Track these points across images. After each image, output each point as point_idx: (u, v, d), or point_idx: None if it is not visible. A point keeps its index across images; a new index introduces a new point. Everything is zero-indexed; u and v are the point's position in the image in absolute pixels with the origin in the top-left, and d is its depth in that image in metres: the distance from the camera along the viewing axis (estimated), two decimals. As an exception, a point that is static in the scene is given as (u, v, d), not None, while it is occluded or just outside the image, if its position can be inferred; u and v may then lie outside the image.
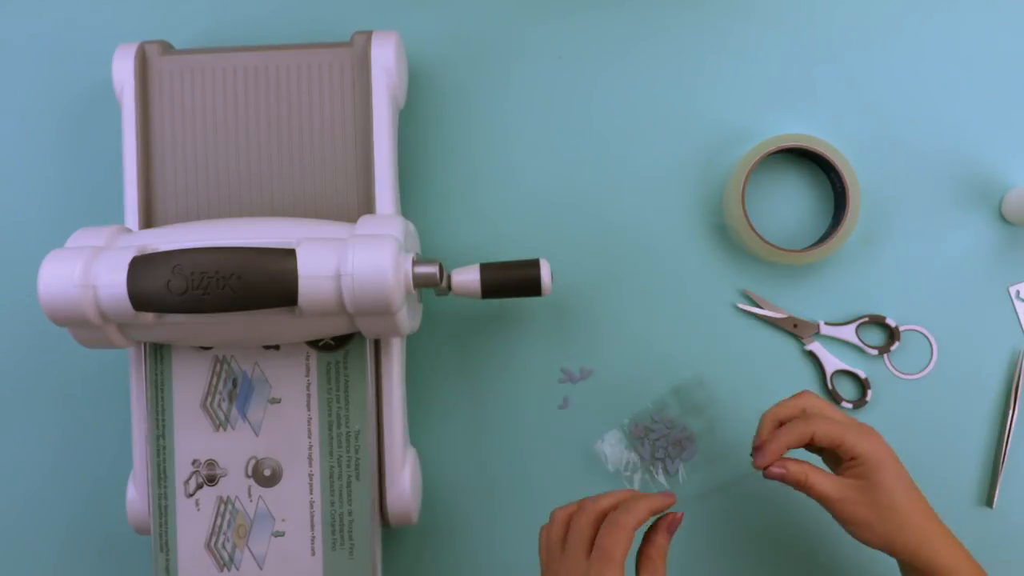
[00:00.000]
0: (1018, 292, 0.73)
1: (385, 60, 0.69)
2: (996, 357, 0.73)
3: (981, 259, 0.73)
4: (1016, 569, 0.72)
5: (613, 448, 0.73)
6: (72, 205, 0.76)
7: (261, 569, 0.67)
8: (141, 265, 0.60)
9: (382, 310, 0.61)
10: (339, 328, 0.64)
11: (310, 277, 0.60)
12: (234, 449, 0.67)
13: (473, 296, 0.66)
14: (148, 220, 0.70)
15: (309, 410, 0.67)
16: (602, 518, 0.59)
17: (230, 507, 0.67)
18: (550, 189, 0.75)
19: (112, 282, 0.60)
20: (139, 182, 0.69)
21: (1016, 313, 0.73)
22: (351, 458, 0.67)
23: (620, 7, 0.75)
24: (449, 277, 0.66)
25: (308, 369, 0.67)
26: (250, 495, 0.67)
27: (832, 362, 0.73)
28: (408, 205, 0.74)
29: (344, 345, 0.67)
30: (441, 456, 0.74)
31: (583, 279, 0.74)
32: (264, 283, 0.59)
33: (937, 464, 0.72)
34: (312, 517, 0.67)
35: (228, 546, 0.67)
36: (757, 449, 0.62)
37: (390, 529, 0.73)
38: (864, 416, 0.73)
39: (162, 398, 0.68)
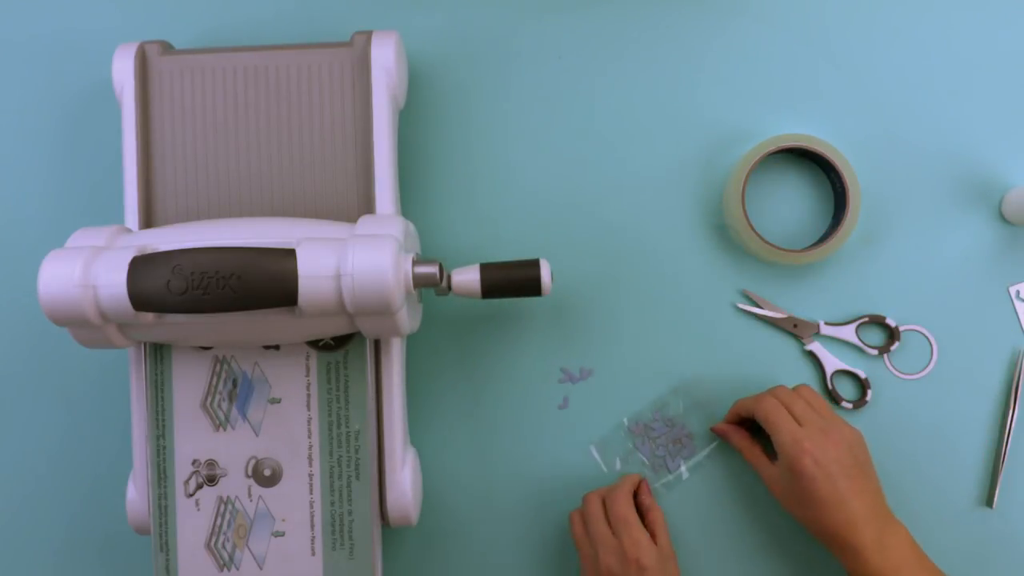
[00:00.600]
0: (1018, 292, 0.73)
1: (385, 60, 0.69)
2: (996, 357, 0.73)
3: (981, 259, 0.73)
4: (1016, 569, 0.72)
5: (607, 451, 0.73)
6: (72, 205, 0.76)
7: (261, 569, 0.67)
8: (141, 265, 0.60)
9: (382, 310, 0.61)
10: (339, 328, 0.64)
11: (310, 277, 0.60)
12: (234, 449, 0.67)
13: (473, 296, 0.66)
14: (148, 220, 0.70)
15: (309, 410, 0.67)
16: (599, 499, 0.70)
17: (230, 507, 0.67)
18: (550, 189, 0.75)
19: (112, 282, 0.60)
20: (139, 182, 0.69)
21: (1016, 313, 0.73)
22: (351, 458, 0.67)
23: (620, 7, 0.75)
24: (449, 277, 0.66)
25: (308, 369, 0.67)
26: (250, 495, 0.67)
27: (832, 362, 0.73)
28: (408, 205, 0.74)
29: (344, 345, 0.67)
30: (441, 456, 0.74)
31: (583, 279, 0.74)
32: (264, 283, 0.59)
33: (937, 464, 0.72)
34: (312, 517, 0.67)
35: (228, 546, 0.67)
36: None
37: (390, 529, 0.73)
38: (864, 416, 0.73)
39: (162, 398, 0.68)
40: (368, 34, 0.69)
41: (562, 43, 0.76)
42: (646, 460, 0.73)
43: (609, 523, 0.68)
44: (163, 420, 0.68)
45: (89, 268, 0.60)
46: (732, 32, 0.75)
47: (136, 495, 0.69)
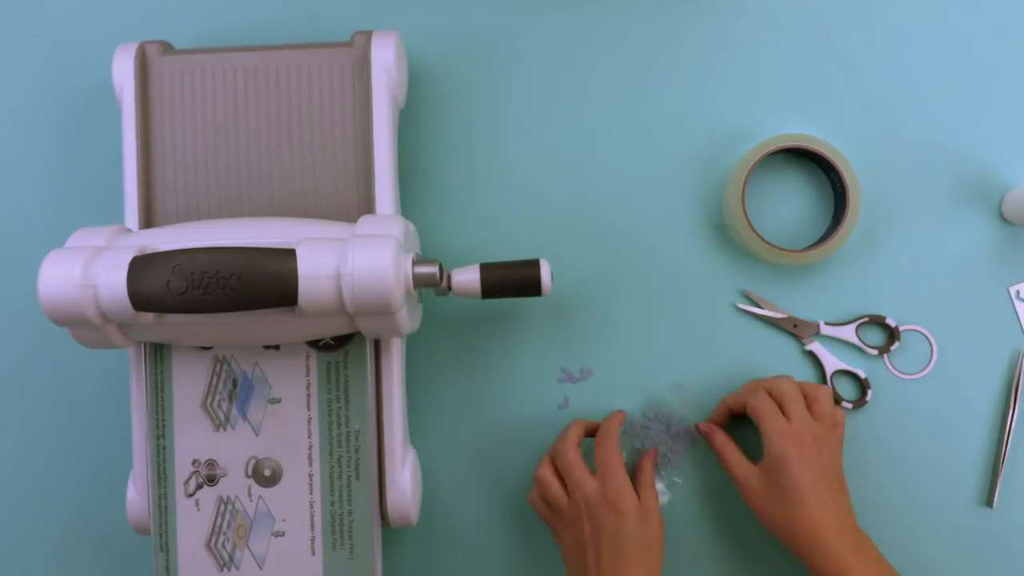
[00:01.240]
0: (1018, 292, 0.73)
1: (385, 60, 0.69)
2: (996, 357, 0.73)
3: (981, 259, 0.73)
4: (1016, 569, 0.72)
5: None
6: (72, 205, 0.76)
7: (261, 569, 0.67)
8: (141, 265, 0.60)
9: (382, 310, 0.61)
10: (339, 328, 0.64)
11: (310, 277, 0.60)
12: (234, 449, 0.67)
13: (473, 296, 0.66)
14: (148, 220, 0.70)
15: (309, 410, 0.67)
16: (577, 446, 0.70)
17: (230, 507, 0.67)
18: (550, 189, 0.75)
19: (112, 282, 0.60)
20: (139, 182, 0.69)
21: (1016, 313, 0.73)
22: (351, 458, 0.67)
23: (620, 7, 0.75)
24: (449, 277, 0.66)
25: (308, 369, 0.67)
26: (250, 495, 0.67)
27: (832, 362, 0.73)
28: (408, 205, 0.74)
29: (344, 345, 0.67)
30: (441, 456, 0.74)
31: (583, 279, 0.74)
32: (264, 283, 0.59)
33: (937, 464, 0.72)
34: (312, 517, 0.67)
35: (228, 546, 0.67)
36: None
37: (390, 529, 0.73)
38: (864, 416, 0.73)
39: (162, 398, 0.68)
40: (368, 34, 0.69)
41: (562, 43, 0.76)
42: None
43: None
44: (163, 420, 0.68)
45: (89, 268, 0.60)
46: (732, 32, 0.75)
47: (136, 495, 0.69)
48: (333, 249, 0.60)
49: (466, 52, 0.76)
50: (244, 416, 0.67)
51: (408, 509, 0.68)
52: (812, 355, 0.73)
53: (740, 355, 0.73)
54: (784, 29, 0.75)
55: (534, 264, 0.65)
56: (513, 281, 0.65)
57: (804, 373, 0.74)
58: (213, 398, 0.67)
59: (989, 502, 0.72)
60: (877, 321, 0.73)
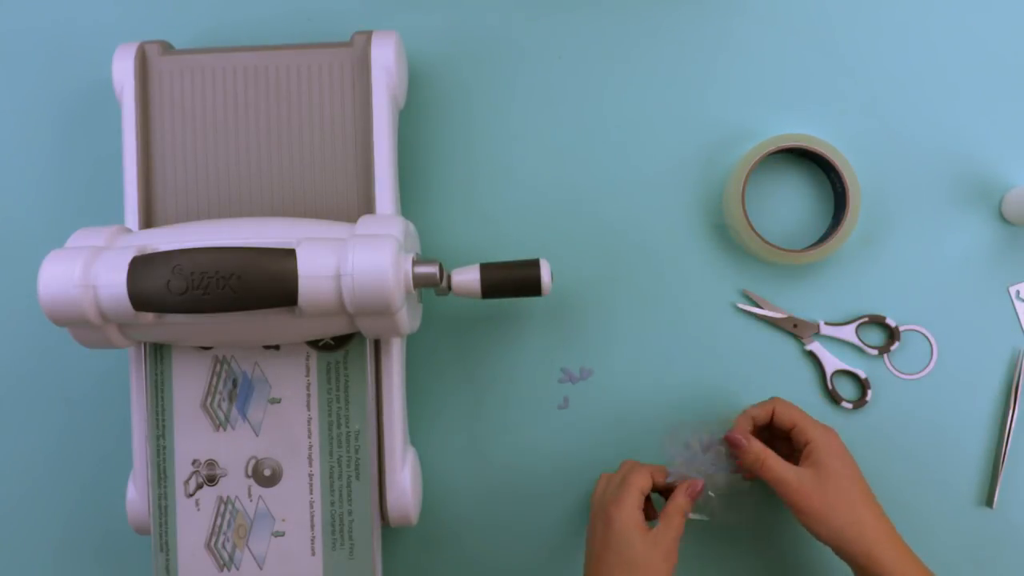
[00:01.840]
0: (1018, 292, 0.73)
1: (385, 60, 0.69)
2: (996, 357, 0.73)
3: (981, 259, 0.73)
4: (1016, 569, 0.72)
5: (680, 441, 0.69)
6: (71, 205, 0.76)
7: (261, 569, 0.67)
8: (141, 265, 0.60)
9: (382, 310, 0.61)
10: (339, 328, 0.64)
11: (310, 277, 0.60)
12: (234, 449, 0.67)
13: (473, 296, 0.66)
14: (148, 220, 0.70)
15: (309, 410, 0.67)
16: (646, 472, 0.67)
17: (230, 507, 0.67)
18: (550, 189, 0.75)
19: (112, 282, 0.60)
20: (139, 182, 0.69)
21: (1016, 313, 0.73)
22: (351, 458, 0.67)
23: (620, 7, 0.75)
24: (449, 277, 0.66)
25: (308, 369, 0.67)
26: (250, 495, 0.67)
27: (832, 362, 0.73)
28: (408, 205, 0.74)
29: (344, 345, 0.67)
30: (441, 456, 0.74)
31: (583, 279, 0.74)
32: (264, 283, 0.59)
33: (937, 464, 0.73)
34: (312, 517, 0.67)
35: (228, 546, 0.67)
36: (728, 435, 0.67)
37: (390, 529, 0.73)
38: (864, 416, 0.73)
39: (162, 398, 0.68)
40: (368, 34, 0.69)
41: (563, 43, 0.76)
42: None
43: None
44: (163, 420, 0.68)
45: (89, 268, 0.60)
46: (732, 32, 0.75)
47: (136, 495, 0.69)
48: (333, 249, 0.60)
49: (466, 52, 0.76)
50: (244, 416, 0.67)
51: (408, 509, 0.68)
52: (812, 355, 0.73)
53: (740, 355, 0.73)
54: (784, 29, 0.75)
55: (534, 264, 0.65)
56: (513, 281, 0.65)
57: (804, 373, 0.74)
58: (213, 398, 0.67)
59: (989, 502, 0.72)
60: (877, 321, 0.73)
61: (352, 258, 0.60)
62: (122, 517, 0.70)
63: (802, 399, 0.72)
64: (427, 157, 0.75)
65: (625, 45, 0.75)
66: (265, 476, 0.67)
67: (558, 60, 0.75)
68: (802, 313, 0.73)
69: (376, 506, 0.67)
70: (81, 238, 0.63)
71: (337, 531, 0.67)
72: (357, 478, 0.67)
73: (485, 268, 0.66)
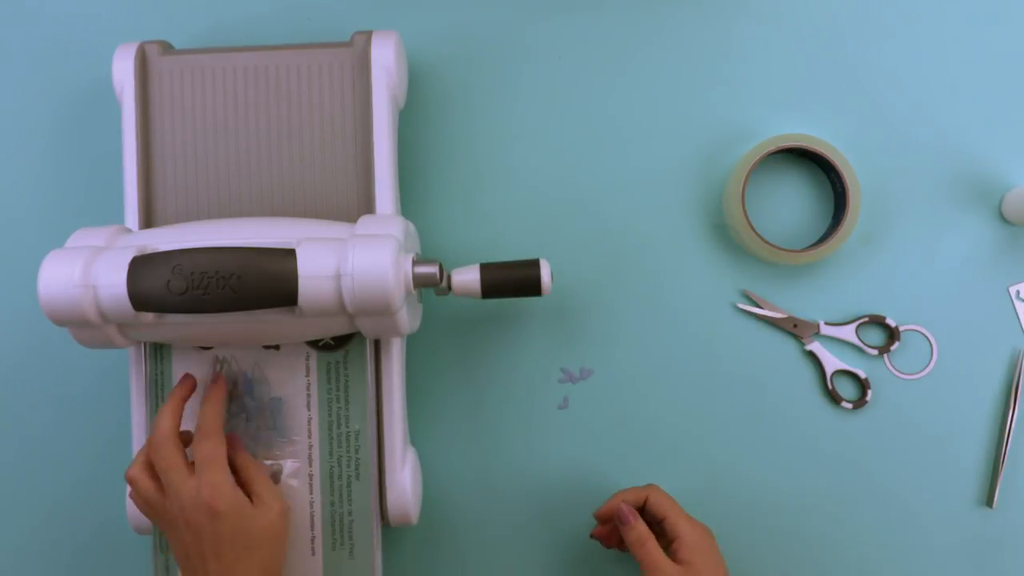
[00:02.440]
0: (1018, 292, 0.73)
1: (385, 60, 0.69)
2: (996, 357, 0.73)
3: (981, 259, 0.73)
4: (1016, 569, 0.72)
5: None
6: (71, 205, 0.76)
7: (261, 569, 0.67)
8: (141, 265, 0.60)
9: (382, 310, 0.61)
10: (339, 328, 0.64)
11: (310, 277, 0.60)
12: (234, 449, 0.67)
13: (473, 296, 0.66)
14: (148, 220, 0.70)
15: (309, 410, 0.67)
16: (174, 439, 0.62)
17: (230, 507, 0.67)
18: (550, 189, 0.75)
19: (112, 282, 0.60)
20: (139, 182, 0.69)
21: (1016, 313, 0.73)
22: (351, 458, 0.67)
23: (621, 8, 0.75)
24: (449, 277, 0.66)
25: (308, 369, 0.67)
26: (250, 495, 0.67)
27: (832, 362, 0.73)
28: (408, 205, 0.74)
29: (344, 345, 0.67)
30: (441, 456, 0.74)
31: (583, 279, 0.74)
32: (264, 283, 0.59)
33: (937, 464, 0.73)
34: (312, 517, 0.67)
35: (228, 546, 0.67)
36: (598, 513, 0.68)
37: (390, 529, 0.73)
38: (864, 416, 0.73)
39: (162, 398, 0.68)
40: (368, 34, 0.69)
41: (563, 43, 0.76)
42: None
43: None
44: (163, 420, 0.68)
45: (89, 268, 0.60)
46: (732, 32, 0.75)
47: (136, 495, 0.69)
48: (333, 249, 0.60)
49: (466, 52, 0.76)
50: (244, 416, 0.67)
51: (408, 509, 0.68)
52: (812, 355, 0.73)
53: (740, 355, 0.73)
54: (784, 30, 0.75)
55: (534, 264, 0.65)
56: (513, 281, 0.65)
57: (804, 373, 0.74)
58: (213, 398, 0.67)
59: (989, 502, 0.72)
60: (877, 321, 0.73)
61: (352, 258, 0.60)
62: (122, 517, 0.70)
63: (802, 399, 0.73)
64: (427, 157, 0.75)
65: (625, 45, 0.75)
66: (265, 476, 0.67)
67: (558, 60, 0.75)
68: (802, 313, 0.73)
69: (376, 506, 0.67)
70: (81, 238, 0.63)
71: (337, 531, 0.67)
72: (357, 478, 0.67)
73: (485, 268, 0.66)
